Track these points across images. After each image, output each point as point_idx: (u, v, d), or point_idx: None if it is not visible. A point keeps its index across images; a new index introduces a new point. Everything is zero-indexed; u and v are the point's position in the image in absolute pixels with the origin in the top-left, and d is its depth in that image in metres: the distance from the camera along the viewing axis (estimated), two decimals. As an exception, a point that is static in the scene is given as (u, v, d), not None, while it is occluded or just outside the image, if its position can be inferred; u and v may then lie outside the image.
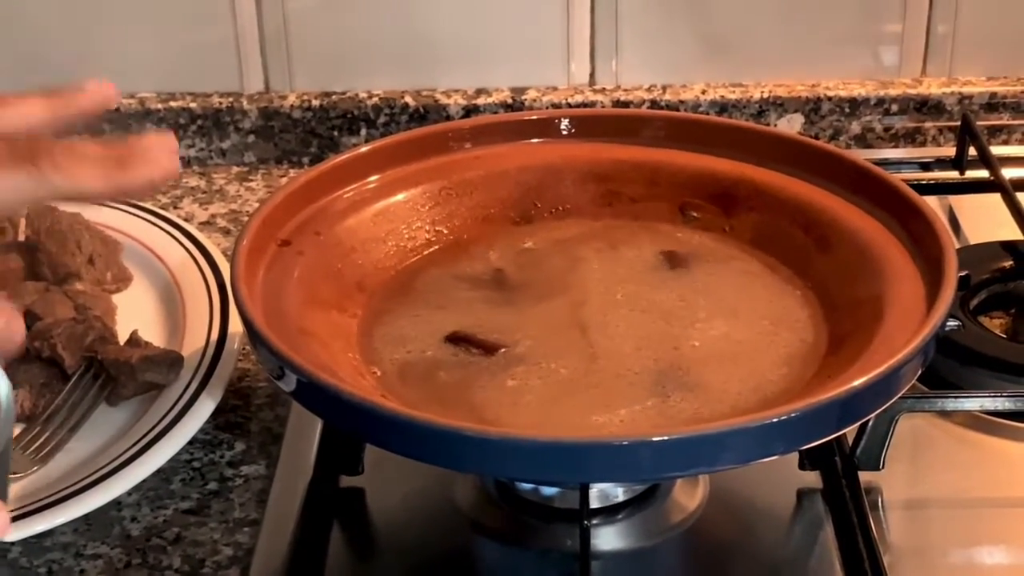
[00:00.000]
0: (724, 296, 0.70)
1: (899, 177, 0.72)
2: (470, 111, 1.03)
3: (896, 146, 1.04)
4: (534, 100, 1.03)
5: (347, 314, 0.69)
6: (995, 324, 0.81)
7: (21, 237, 0.87)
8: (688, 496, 0.68)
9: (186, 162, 1.04)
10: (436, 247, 0.75)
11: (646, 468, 0.57)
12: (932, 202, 0.86)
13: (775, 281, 0.71)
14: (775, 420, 0.56)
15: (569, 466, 0.57)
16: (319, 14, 1.02)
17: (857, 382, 0.57)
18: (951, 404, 0.70)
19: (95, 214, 0.89)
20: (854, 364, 0.61)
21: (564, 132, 0.79)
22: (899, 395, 0.60)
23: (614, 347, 0.66)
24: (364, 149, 0.75)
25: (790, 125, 1.03)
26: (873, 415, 0.60)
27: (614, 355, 0.66)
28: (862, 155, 0.98)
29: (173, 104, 1.03)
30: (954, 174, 0.97)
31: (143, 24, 1.02)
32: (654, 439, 0.56)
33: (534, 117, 0.79)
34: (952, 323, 0.65)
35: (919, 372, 0.61)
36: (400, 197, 0.75)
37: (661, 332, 0.67)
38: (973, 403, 0.70)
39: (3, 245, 0.86)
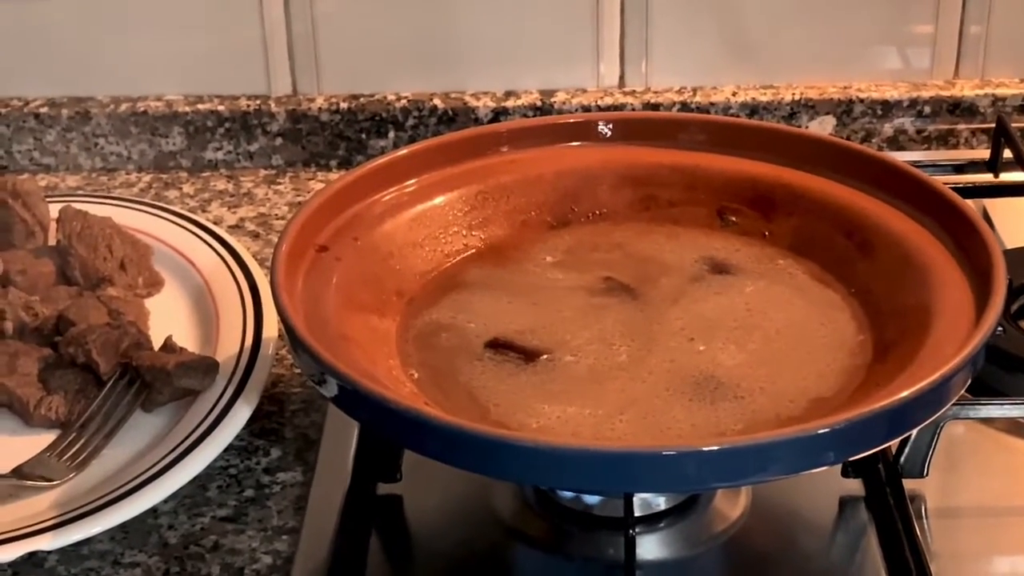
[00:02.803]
0: (766, 303, 0.69)
1: (934, 180, 0.71)
2: (499, 113, 1.02)
3: (929, 148, 1.03)
4: (563, 102, 1.02)
5: (386, 319, 0.69)
6: (1034, 329, 0.81)
7: (52, 241, 0.87)
8: (730, 505, 0.68)
9: (214, 165, 1.04)
10: (472, 251, 0.75)
11: (692, 478, 0.56)
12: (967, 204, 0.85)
13: (817, 287, 0.70)
14: (824, 431, 0.55)
15: (615, 476, 0.56)
16: (347, 16, 1.02)
17: (906, 392, 0.56)
18: (996, 411, 0.69)
19: (124, 218, 0.89)
20: (902, 373, 0.60)
21: (601, 135, 0.78)
22: (949, 405, 0.59)
23: (657, 354, 0.66)
24: (401, 153, 0.75)
25: (822, 127, 1.02)
26: (922, 425, 0.60)
27: (657, 362, 0.65)
28: (895, 158, 0.98)
29: (201, 107, 1.03)
30: (988, 177, 0.96)
31: (171, 26, 1.02)
32: (702, 449, 0.55)
33: (571, 120, 0.78)
34: (996, 329, 0.64)
35: (968, 382, 0.60)
36: (437, 201, 0.75)
37: (704, 340, 0.67)
38: (1018, 410, 0.69)
39: (34, 250, 0.86)
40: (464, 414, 0.62)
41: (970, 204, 0.68)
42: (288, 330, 0.62)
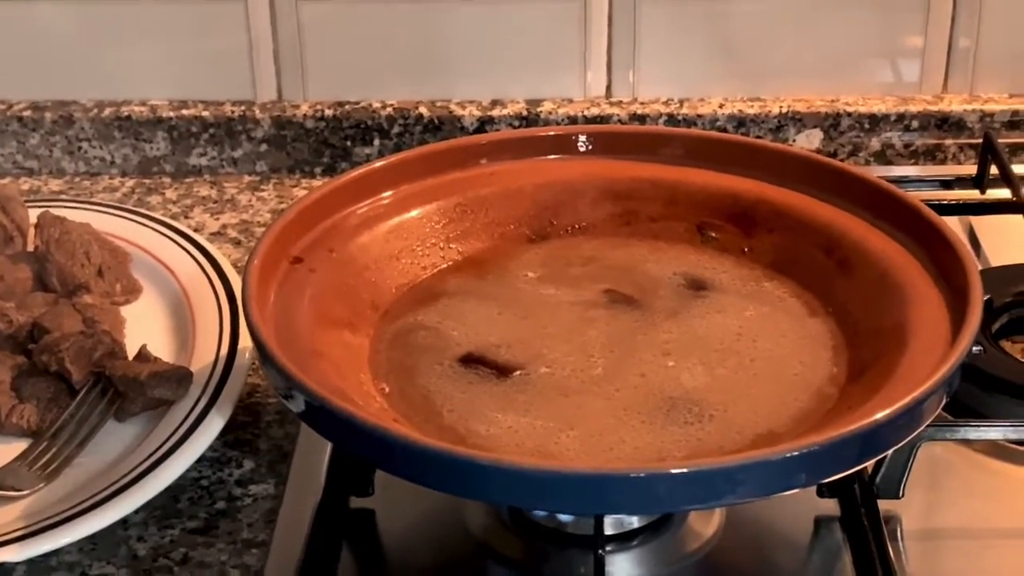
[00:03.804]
0: (759, 331, 0.68)
1: (919, 196, 0.71)
2: (485, 122, 1.02)
3: (916, 163, 1.02)
4: (550, 112, 1.02)
5: (359, 334, 0.68)
6: (1016, 348, 0.80)
7: (30, 247, 0.86)
8: (704, 523, 0.67)
9: (197, 171, 1.03)
10: (450, 264, 0.74)
11: (663, 500, 0.56)
12: (952, 222, 0.85)
13: (795, 305, 0.70)
14: (795, 453, 0.55)
15: (584, 497, 0.55)
16: (333, 23, 1.01)
17: (880, 415, 0.56)
18: (973, 433, 0.69)
19: (104, 223, 0.88)
20: (876, 394, 0.59)
21: (581, 149, 0.77)
22: (923, 427, 0.58)
23: (630, 373, 0.65)
24: (378, 164, 0.74)
25: (809, 141, 1.02)
26: (895, 448, 0.59)
27: (628, 376, 0.65)
28: (881, 172, 0.97)
29: (185, 112, 1.02)
30: (975, 193, 0.96)
31: (156, 32, 1.01)
32: (672, 471, 0.55)
33: (551, 133, 0.78)
34: (974, 348, 0.63)
35: (943, 403, 0.60)
36: (414, 213, 0.74)
37: (678, 358, 0.66)
38: (996, 432, 0.69)
39: (12, 255, 0.85)
40: (418, 417, 0.62)
41: (947, 223, 0.68)
42: (257, 344, 0.61)
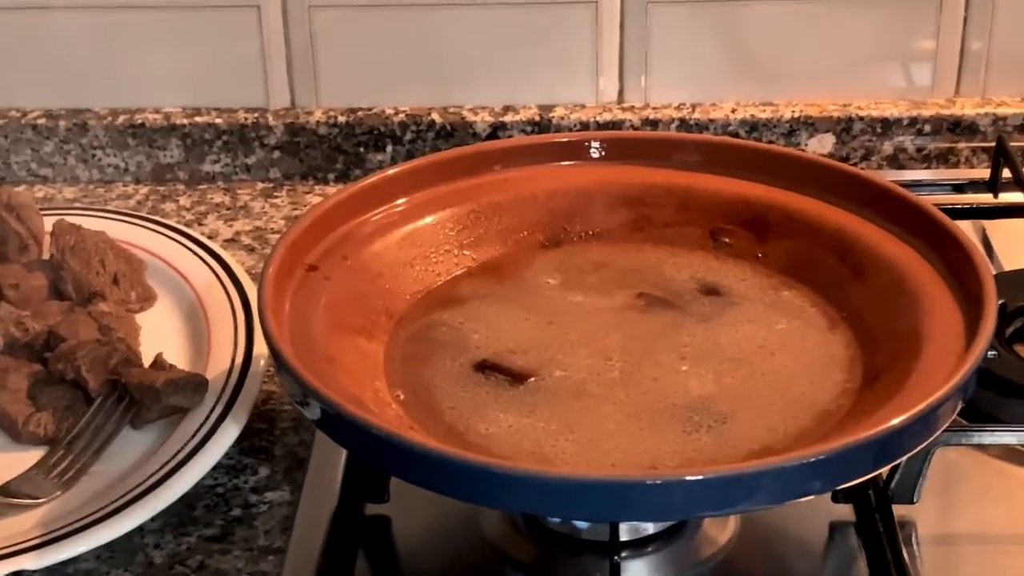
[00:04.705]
0: (757, 327, 0.69)
1: (931, 200, 0.71)
2: (497, 128, 1.02)
3: (929, 167, 1.02)
4: (562, 118, 1.02)
5: (374, 341, 0.68)
6: (1031, 353, 0.80)
7: (46, 255, 0.87)
8: (719, 529, 0.67)
9: (211, 178, 1.04)
10: (464, 271, 0.74)
11: (678, 507, 0.56)
12: (965, 226, 0.85)
13: (809, 311, 0.70)
14: (810, 460, 0.55)
15: (600, 504, 0.56)
16: (346, 30, 1.02)
17: (895, 421, 0.56)
18: (988, 438, 0.68)
19: (118, 231, 0.89)
20: (891, 400, 0.59)
21: (595, 155, 0.78)
22: (938, 433, 0.58)
23: (645, 377, 0.65)
24: (392, 171, 0.74)
25: (821, 145, 1.02)
26: (910, 454, 0.59)
27: (642, 386, 0.65)
28: (894, 176, 0.97)
29: (199, 119, 1.03)
30: (988, 197, 0.96)
31: (170, 39, 1.02)
32: (687, 479, 0.55)
33: (564, 139, 0.78)
34: (989, 353, 0.63)
35: (958, 409, 0.59)
36: (428, 220, 0.74)
37: (693, 363, 0.66)
38: (1011, 437, 0.69)
39: (28, 263, 0.86)
40: (421, 412, 0.62)
41: (962, 227, 0.68)
42: (273, 352, 0.62)
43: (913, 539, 0.67)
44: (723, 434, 0.62)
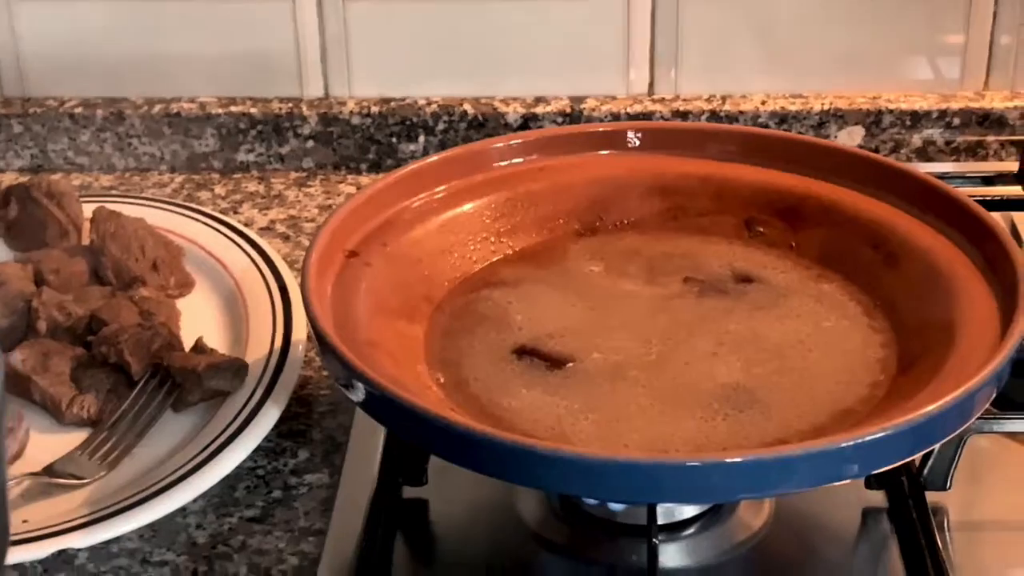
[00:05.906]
0: (792, 315, 0.70)
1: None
2: (528, 119, 1.03)
3: (957, 160, 1.03)
4: (593, 109, 1.03)
5: (415, 324, 0.69)
6: (1061, 343, 0.80)
7: (85, 241, 0.88)
8: (753, 514, 0.68)
9: (245, 167, 1.05)
10: (500, 257, 0.75)
11: (717, 489, 0.57)
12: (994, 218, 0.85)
13: (843, 300, 0.71)
14: (847, 444, 0.56)
15: (639, 486, 0.57)
16: (379, 21, 1.03)
17: (931, 407, 0.57)
18: (1021, 425, 0.69)
19: (156, 218, 0.90)
20: (927, 387, 0.60)
21: (630, 145, 0.78)
22: (972, 420, 0.59)
23: (681, 364, 0.66)
24: (431, 159, 0.76)
25: (850, 137, 1.03)
26: (945, 440, 0.60)
27: (681, 372, 0.66)
28: (923, 169, 0.97)
29: (233, 109, 1.04)
30: (1016, 189, 0.96)
31: (204, 29, 1.03)
32: (726, 461, 0.56)
33: (601, 129, 0.79)
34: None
35: (993, 396, 0.60)
36: (466, 208, 0.75)
37: (729, 350, 0.67)
38: (1043, 425, 0.69)
39: (68, 249, 0.87)
40: (486, 417, 0.63)
41: (997, 218, 0.69)
42: (318, 335, 0.63)
43: (945, 525, 0.68)
44: (739, 423, 0.63)
